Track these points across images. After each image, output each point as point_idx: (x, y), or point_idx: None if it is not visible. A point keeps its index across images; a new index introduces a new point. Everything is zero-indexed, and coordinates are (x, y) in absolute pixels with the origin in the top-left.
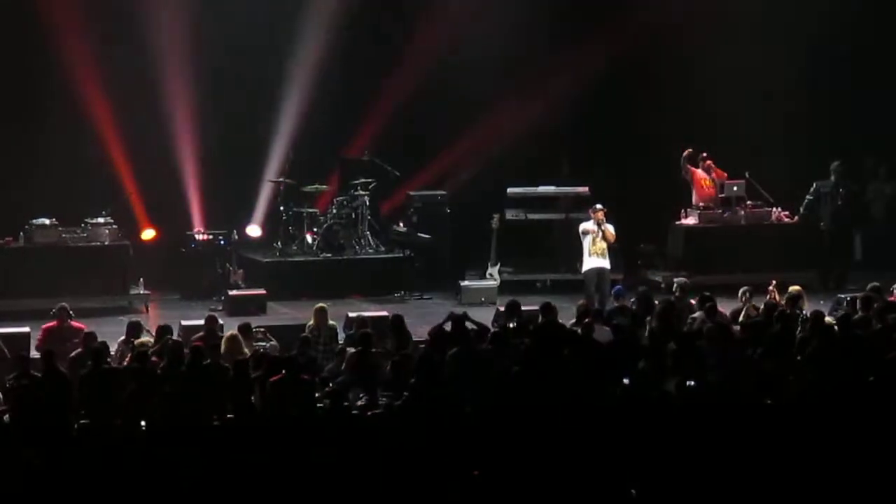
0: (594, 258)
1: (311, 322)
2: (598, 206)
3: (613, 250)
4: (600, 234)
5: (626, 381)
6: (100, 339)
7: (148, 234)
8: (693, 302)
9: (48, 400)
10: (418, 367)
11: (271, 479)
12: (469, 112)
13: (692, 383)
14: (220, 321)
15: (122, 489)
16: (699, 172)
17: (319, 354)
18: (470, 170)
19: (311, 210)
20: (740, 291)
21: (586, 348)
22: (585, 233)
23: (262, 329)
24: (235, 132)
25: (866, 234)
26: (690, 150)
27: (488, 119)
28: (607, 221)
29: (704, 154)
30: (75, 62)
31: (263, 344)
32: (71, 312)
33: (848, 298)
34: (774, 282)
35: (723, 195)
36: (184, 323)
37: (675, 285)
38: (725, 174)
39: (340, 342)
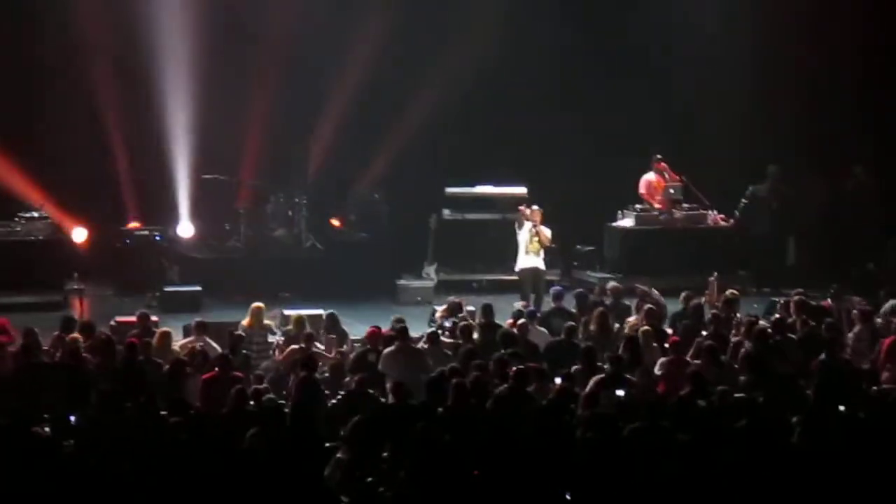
0: (530, 257)
1: (246, 320)
2: (535, 206)
3: (551, 251)
4: (533, 236)
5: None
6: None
7: (79, 235)
8: (629, 304)
9: None
10: (354, 365)
11: (203, 475)
12: (404, 111)
13: (621, 393)
14: (154, 318)
15: (52, 485)
16: (651, 176)
17: (253, 353)
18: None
19: (247, 207)
20: (682, 295)
21: (524, 350)
22: (522, 226)
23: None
24: (173, 127)
25: (799, 237)
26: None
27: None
28: (544, 223)
29: (658, 156)
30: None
31: (212, 343)
32: None
33: (781, 302)
34: (716, 274)
35: (660, 197)
36: (117, 319)
37: (608, 288)
38: (677, 177)
39: (271, 340)
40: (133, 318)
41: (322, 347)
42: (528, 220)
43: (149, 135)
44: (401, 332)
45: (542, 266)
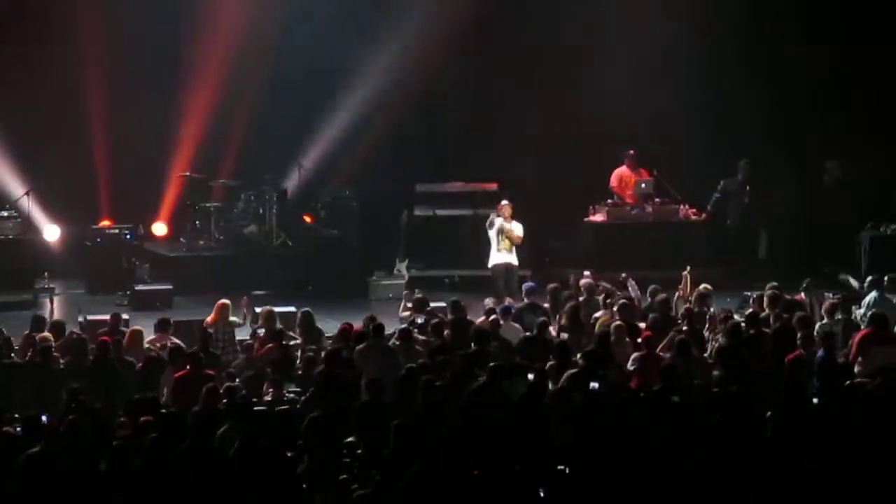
0: (502, 253)
1: (210, 317)
2: (505, 202)
3: (522, 247)
4: (508, 229)
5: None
6: (4, 335)
7: (52, 233)
8: (599, 299)
9: None
10: (326, 361)
11: (175, 473)
12: (374, 108)
13: (595, 385)
14: (125, 316)
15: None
16: (623, 170)
17: (218, 349)
18: None
19: (217, 205)
20: (650, 289)
21: (498, 345)
22: (492, 225)
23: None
24: (144, 126)
25: (771, 232)
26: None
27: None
28: (516, 219)
29: (631, 151)
30: None
31: (178, 341)
32: None
33: (754, 296)
34: (689, 267)
35: (631, 192)
36: (88, 318)
37: (581, 285)
38: (648, 172)
39: (244, 338)
40: (104, 317)
41: (298, 341)
42: (499, 216)
43: (124, 132)
44: (375, 329)
45: (514, 262)
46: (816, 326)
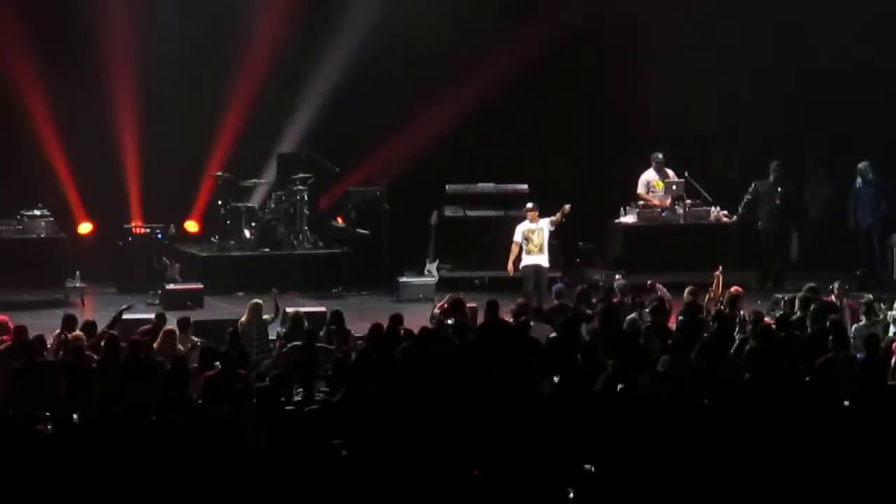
0: (531, 255)
1: (244, 318)
2: (530, 204)
3: (554, 248)
4: (536, 232)
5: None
6: (35, 333)
7: (84, 227)
8: (630, 301)
9: None
10: (357, 363)
11: (204, 473)
12: (405, 107)
13: (622, 386)
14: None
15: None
16: (650, 174)
17: (253, 350)
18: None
19: (248, 205)
20: (686, 291)
21: (525, 345)
22: (517, 234)
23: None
24: (174, 126)
25: (803, 234)
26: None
27: (425, 115)
28: (542, 217)
29: (659, 155)
30: (9, 53)
31: (197, 340)
32: None
33: (785, 298)
34: (721, 268)
35: (659, 195)
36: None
37: (614, 287)
38: (676, 174)
39: (272, 337)
40: (136, 317)
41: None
42: (531, 220)
43: (152, 132)
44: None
45: (544, 263)
46: (852, 328)
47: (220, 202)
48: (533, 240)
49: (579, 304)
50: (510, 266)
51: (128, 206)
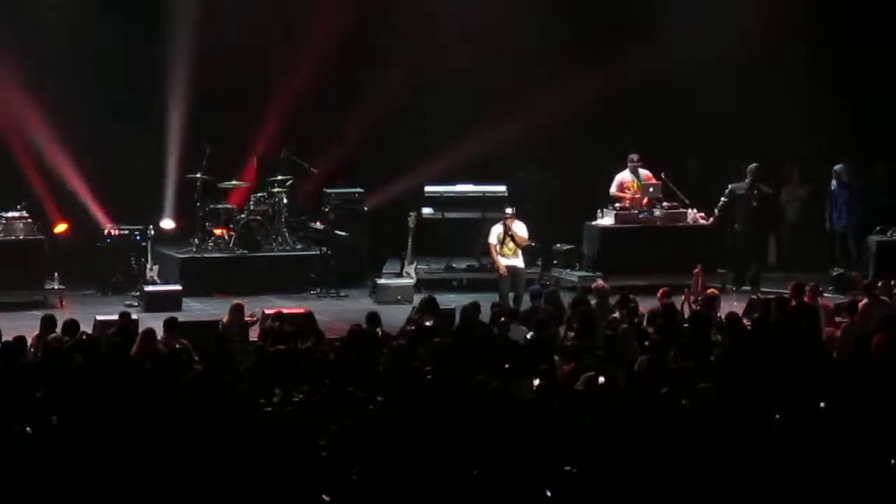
0: (507, 258)
1: (226, 318)
2: (509, 210)
3: (531, 250)
4: (508, 238)
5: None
6: (14, 335)
7: (60, 227)
8: (611, 302)
9: None
10: (336, 364)
11: (185, 475)
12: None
13: (602, 379)
14: (135, 317)
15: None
16: (625, 176)
17: (236, 351)
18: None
19: (227, 206)
20: (659, 292)
21: (503, 348)
22: (492, 237)
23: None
24: (149, 127)
25: (780, 236)
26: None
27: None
28: (522, 221)
29: (634, 157)
30: None
31: (183, 341)
32: None
33: (761, 300)
34: (700, 266)
35: (641, 196)
36: (98, 318)
37: (594, 290)
38: (653, 177)
39: (253, 338)
40: (115, 318)
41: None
42: (501, 223)
43: (132, 132)
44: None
45: (520, 265)
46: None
47: (198, 203)
48: (507, 243)
49: (552, 306)
50: (501, 266)
51: (105, 207)
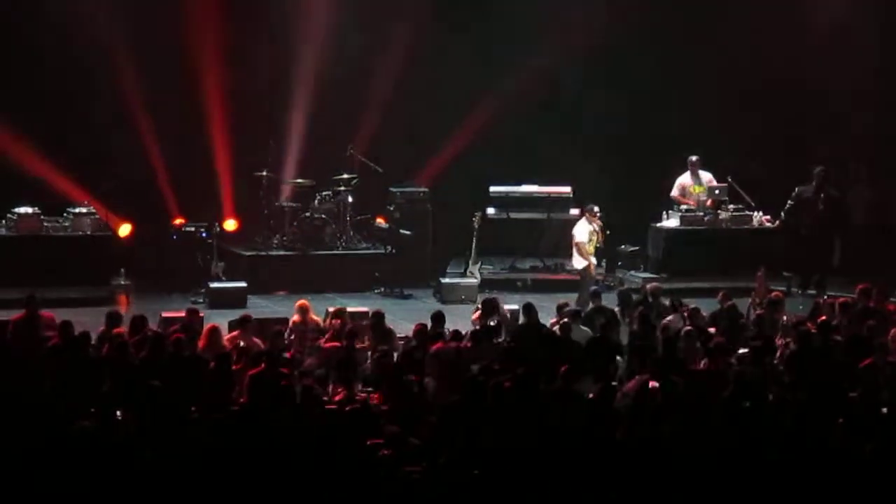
0: (591, 256)
1: (296, 317)
2: (595, 207)
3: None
4: (597, 233)
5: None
6: (80, 330)
7: (124, 229)
8: (667, 303)
9: None
10: (400, 361)
11: (248, 471)
12: (451, 109)
13: (655, 384)
14: (201, 314)
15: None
16: (685, 178)
17: (305, 349)
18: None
19: (293, 204)
20: (720, 295)
21: (564, 348)
22: (581, 235)
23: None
24: (217, 124)
25: (846, 239)
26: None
27: (470, 116)
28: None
29: (694, 158)
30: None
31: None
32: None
33: (826, 303)
34: (763, 268)
35: (705, 199)
36: (164, 315)
37: (647, 289)
38: (714, 178)
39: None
40: (180, 314)
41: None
42: (590, 221)
43: (195, 131)
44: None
45: (595, 264)
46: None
47: (264, 201)
48: (593, 241)
49: (620, 307)
50: (593, 264)
51: (171, 204)
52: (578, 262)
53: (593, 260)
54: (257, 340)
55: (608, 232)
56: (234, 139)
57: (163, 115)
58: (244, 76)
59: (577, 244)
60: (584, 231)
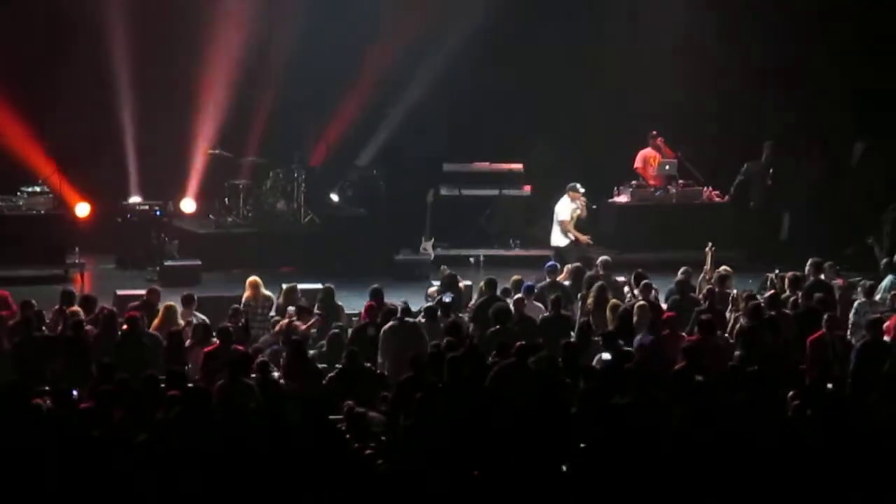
0: (569, 234)
1: (248, 293)
2: (579, 187)
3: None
4: (581, 211)
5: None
6: (35, 309)
7: (83, 209)
8: (619, 279)
9: None
10: (352, 339)
11: (202, 448)
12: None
13: (608, 356)
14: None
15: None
16: (648, 151)
17: (257, 325)
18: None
19: (246, 182)
20: (680, 270)
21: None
22: (564, 213)
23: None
24: (172, 104)
25: (794, 213)
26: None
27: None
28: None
29: (655, 132)
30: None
31: (202, 316)
32: None
33: (775, 277)
34: (711, 245)
35: (654, 173)
36: (118, 293)
37: (598, 263)
38: (673, 153)
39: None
40: (135, 292)
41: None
42: (573, 199)
43: (152, 109)
44: (404, 310)
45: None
46: (854, 305)
47: (217, 179)
48: (574, 219)
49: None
50: (583, 237)
51: (125, 182)
52: (560, 240)
53: (581, 237)
54: (202, 317)
55: (594, 206)
56: (199, 120)
57: (128, 94)
58: (208, 56)
59: (560, 222)
60: (566, 209)
